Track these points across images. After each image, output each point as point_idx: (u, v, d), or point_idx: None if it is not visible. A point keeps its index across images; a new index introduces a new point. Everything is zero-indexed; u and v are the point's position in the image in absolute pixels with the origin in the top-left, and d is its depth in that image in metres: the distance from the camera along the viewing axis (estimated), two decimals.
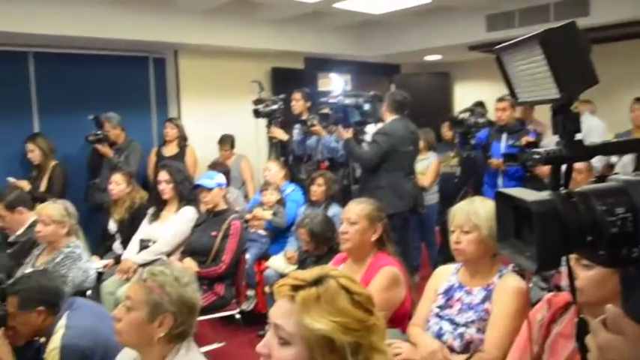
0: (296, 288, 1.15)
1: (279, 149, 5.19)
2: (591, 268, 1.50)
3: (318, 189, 4.39)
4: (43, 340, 2.31)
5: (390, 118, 4.39)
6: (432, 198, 5.28)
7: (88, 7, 4.92)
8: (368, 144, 4.36)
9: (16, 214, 3.58)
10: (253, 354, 1.20)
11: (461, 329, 2.11)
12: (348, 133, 4.29)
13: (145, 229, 4.05)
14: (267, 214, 4.51)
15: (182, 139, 5.55)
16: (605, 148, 1.10)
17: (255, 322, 3.98)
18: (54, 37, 4.92)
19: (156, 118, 6.16)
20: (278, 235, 4.59)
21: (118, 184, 4.27)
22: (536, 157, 1.08)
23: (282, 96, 5.31)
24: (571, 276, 1.15)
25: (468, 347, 2.07)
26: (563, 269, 2.19)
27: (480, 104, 5.78)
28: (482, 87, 7.56)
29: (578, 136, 1.06)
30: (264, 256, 4.47)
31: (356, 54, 7.27)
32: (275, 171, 4.81)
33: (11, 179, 4.66)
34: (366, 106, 4.36)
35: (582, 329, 1.04)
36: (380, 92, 4.77)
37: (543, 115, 5.84)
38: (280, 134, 5.17)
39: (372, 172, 4.28)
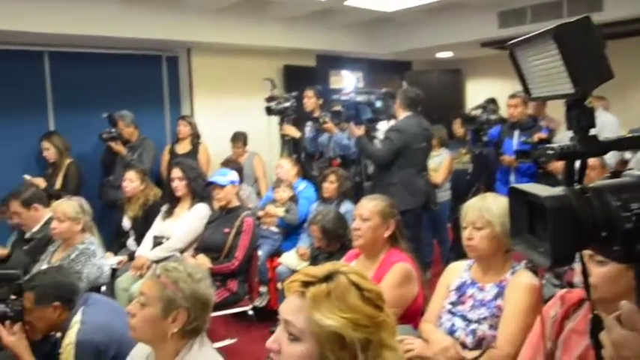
0: (306, 284, 1.15)
1: (291, 146, 5.20)
2: (605, 264, 1.49)
3: (330, 186, 4.39)
4: (58, 335, 2.34)
5: (402, 114, 4.38)
6: (444, 195, 5.27)
7: (102, 7, 4.95)
8: (380, 141, 4.35)
9: (32, 211, 3.62)
10: (266, 350, 1.20)
11: (473, 326, 2.11)
12: (359, 130, 4.29)
13: (158, 226, 4.08)
14: (280, 211, 4.52)
15: (195, 137, 5.58)
16: (619, 143, 1.09)
17: (267, 318, 3.99)
18: (69, 37, 4.96)
19: (169, 115, 6.19)
20: (290, 231, 4.61)
21: (131, 182, 4.30)
22: (550, 152, 1.07)
23: (294, 93, 5.31)
24: (585, 272, 1.14)
25: (480, 344, 2.06)
26: (576, 266, 2.18)
27: (492, 101, 5.75)
28: (494, 84, 7.51)
29: (592, 131, 1.05)
30: (276, 253, 4.49)
31: (367, 51, 7.26)
32: (287, 168, 4.82)
33: (27, 177, 4.70)
34: (378, 103, 4.36)
35: (596, 325, 1.04)
36: (392, 89, 4.76)
37: (555, 111, 5.80)
38: (292, 131, 5.18)
39: (384, 168, 4.27)
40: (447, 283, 2.30)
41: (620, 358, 0.90)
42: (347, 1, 5.60)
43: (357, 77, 8.14)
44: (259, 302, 4.23)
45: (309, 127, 5.27)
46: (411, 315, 2.43)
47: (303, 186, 4.85)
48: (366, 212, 2.56)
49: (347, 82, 8.14)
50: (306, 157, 5.25)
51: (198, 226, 3.94)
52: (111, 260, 3.86)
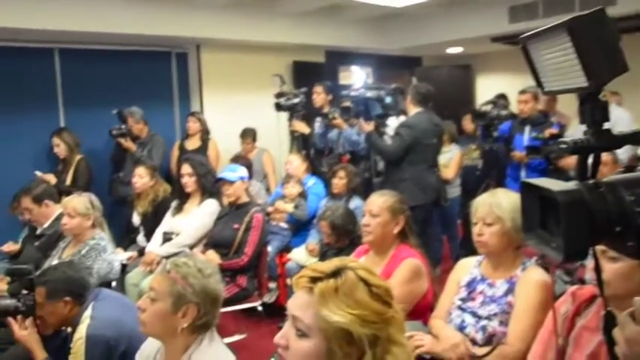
0: (314, 280, 1.14)
1: (300, 142, 5.20)
2: (618, 260, 1.48)
3: (339, 182, 4.39)
4: (69, 330, 2.35)
5: (413, 110, 4.36)
6: (454, 191, 5.24)
7: (112, 4, 4.97)
8: (391, 137, 4.33)
9: (43, 207, 3.64)
10: (274, 346, 1.20)
11: (483, 322, 2.10)
12: (369, 126, 4.27)
13: (168, 222, 4.10)
14: (289, 207, 4.52)
15: (204, 133, 5.59)
16: (634, 138, 1.08)
17: (276, 314, 3.99)
18: (79, 34, 4.98)
19: (178, 112, 6.21)
20: (300, 227, 4.61)
21: (141, 178, 4.32)
22: (563, 146, 1.06)
23: (303, 89, 5.30)
24: (597, 268, 1.13)
25: (490, 340, 2.05)
26: (588, 263, 2.16)
27: (502, 96, 5.71)
28: (504, 79, 7.47)
29: (606, 125, 1.04)
30: (285, 249, 4.49)
31: (377, 47, 7.23)
32: (297, 164, 4.82)
33: (38, 173, 4.74)
34: (388, 99, 4.33)
35: (610, 322, 1.03)
36: (401, 85, 4.74)
37: (565, 107, 5.75)
38: (302, 127, 5.17)
39: (395, 164, 4.26)
40: (457, 279, 2.28)
41: (634, 355, 0.89)
42: None
43: (367, 73, 8.12)
44: (268, 298, 4.24)
45: (318, 123, 5.26)
46: (421, 311, 2.42)
47: (312, 182, 4.85)
48: (376, 208, 2.55)
49: (356, 78, 8.13)
50: (315, 153, 5.24)
51: (207, 222, 3.95)
52: (121, 256, 3.88)
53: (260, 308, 3.83)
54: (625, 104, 5.73)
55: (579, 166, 1.04)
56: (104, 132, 5.15)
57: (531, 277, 2.06)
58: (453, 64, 8.54)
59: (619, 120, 5.04)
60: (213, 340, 1.79)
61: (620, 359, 0.96)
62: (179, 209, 4.10)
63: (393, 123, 4.60)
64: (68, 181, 4.83)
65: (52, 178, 4.75)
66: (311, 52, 6.85)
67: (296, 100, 5.13)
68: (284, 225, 4.55)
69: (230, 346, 1.88)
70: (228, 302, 3.31)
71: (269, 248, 4.08)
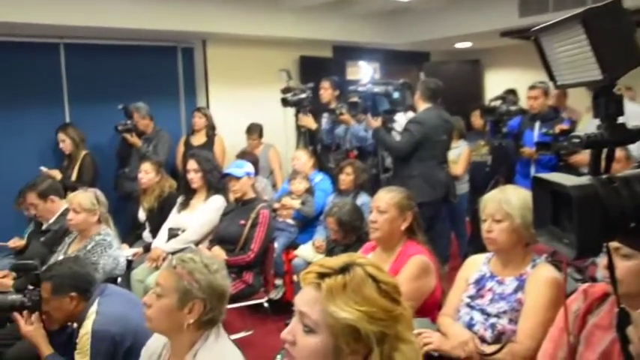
0: (322, 275, 1.13)
1: (307, 138, 5.18)
2: (631, 258, 1.47)
3: (346, 178, 4.37)
4: (75, 325, 2.35)
5: (422, 106, 4.32)
6: (462, 187, 5.21)
7: None
8: (400, 133, 4.30)
9: (49, 202, 3.64)
10: (281, 342, 1.19)
11: (492, 320, 2.08)
12: (376, 122, 4.24)
13: (174, 218, 4.09)
14: (296, 203, 4.51)
15: (210, 129, 5.58)
16: None
17: (283, 310, 3.97)
18: (84, 28, 4.97)
19: (184, 107, 6.20)
20: (306, 224, 4.60)
21: (147, 173, 4.32)
22: (576, 141, 1.04)
23: (310, 85, 5.28)
24: (611, 265, 1.11)
25: (499, 338, 2.03)
26: (599, 260, 2.14)
27: (511, 92, 5.67)
28: (514, 74, 7.42)
29: (620, 119, 1.02)
30: (292, 246, 4.48)
31: (385, 42, 7.19)
32: (304, 160, 4.81)
33: (43, 169, 4.74)
34: (396, 95, 4.30)
35: (623, 320, 1.01)
36: (409, 80, 4.70)
37: (576, 103, 5.70)
38: (309, 122, 5.15)
39: (403, 160, 4.22)
40: (465, 277, 2.27)
41: None
42: None
43: (374, 68, 8.09)
44: (275, 295, 4.23)
45: (325, 119, 5.24)
46: (429, 308, 2.40)
47: (319, 178, 4.83)
48: (383, 204, 2.54)
49: (364, 73, 8.09)
50: (322, 149, 5.22)
51: (213, 218, 3.95)
52: (126, 252, 3.88)
53: (266, 305, 3.82)
54: (638, 99, 5.67)
55: (592, 161, 1.02)
56: (110, 127, 5.15)
57: (541, 275, 2.04)
58: (462, 59, 8.49)
59: (632, 116, 4.97)
60: (219, 336, 1.78)
61: (634, 358, 0.94)
62: (185, 205, 4.10)
63: (400, 119, 4.57)
64: (74, 176, 4.83)
65: (57, 174, 4.76)
66: (318, 47, 6.82)
67: (303, 96, 5.11)
68: (290, 221, 4.54)
69: (236, 342, 1.87)
70: (234, 299, 3.31)
71: (275, 245, 4.06)
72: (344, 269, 1.13)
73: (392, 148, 4.28)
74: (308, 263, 4.08)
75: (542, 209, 1.03)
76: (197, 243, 3.90)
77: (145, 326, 1.83)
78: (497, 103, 4.69)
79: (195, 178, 4.04)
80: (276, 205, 4.55)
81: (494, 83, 8.03)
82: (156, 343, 1.89)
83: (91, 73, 5.43)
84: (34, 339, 2.35)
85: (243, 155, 5.04)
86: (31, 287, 2.41)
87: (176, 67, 6.12)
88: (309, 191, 4.61)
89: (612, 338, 1.48)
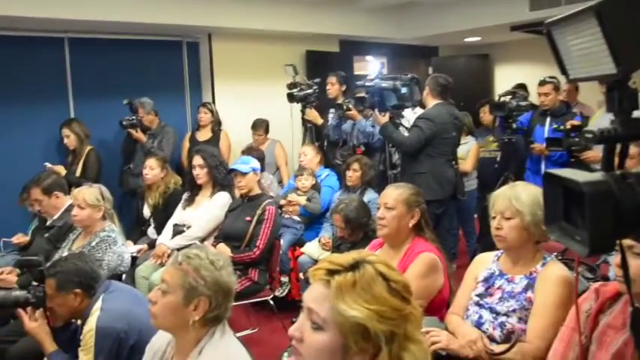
0: (332, 272, 1.13)
1: (313, 134, 5.16)
2: None
3: (353, 174, 4.35)
4: (79, 322, 2.35)
5: (432, 102, 4.27)
6: (471, 184, 5.16)
7: None
8: (408, 129, 4.26)
9: (53, 198, 3.63)
10: (286, 340, 1.17)
11: (501, 318, 2.06)
12: (384, 118, 4.20)
13: (179, 214, 4.09)
14: (302, 200, 4.49)
15: (216, 124, 5.57)
16: None
17: (288, 308, 3.97)
18: (89, 23, 4.96)
19: (189, 102, 6.18)
20: (313, 221, 4.58)
21: (152, 169, 4.31)
22: (589, 136, 1.02)
23: (316, 80, 5.25)
24: (624, 263, 1.09)
25: (509, 337, 2.01)
26: (611, 259, 2.10)
27: (521, 87, 5.61)
28: (524, 69, 7.36)
29: (635, 114, 1.00)
30: (298, 243, 4.46)
31: (392, 36, 7.14)
32: (311, 156, 4.79)
33: (48, 164, 4.74)
34: (404, 90, 4.24)
35: (637, 320, 0.99)
36: (417, 75, 4.66)
37: (586, 98, 5.64)
38: (315, 117, 5.13)
39: (412, 157, 4.18)
40: (474, 275, 2.24)
41: None
42: None
43: (382, 63, 8.05)
44: (280, 292, 4.21)
45: (332, 115, 5.22)
46: (437, 307, 2.38)
47: (325, 174, 4.81)
48: (391, 201, 2.52)
49: (371, 68, 8.06)
50: (328, 145, 5.20)
51: (218, 215, 3.94)
52: (131, 248, 3.88)
53: (271, 302, 3.80)
54: None
55: (606, 157, 1.01)
56: (114, 123, 5.14)
57: (552, 273, 2.02)
58: (471, 53, 8.43)
59: None
60: (224, 333, 1.77)
61: None
62: (190, 201, 4.09)
63: (408, 114, 4.53)
64: (78, 172, 4.83)
65: (61, 170, 4.74)
66: (325, 42, 6.79)
67: (309, 91, 5.09)
68: (297, 218, 4.52)
69: (241, 339, 1.85)
70: (240, 296, 3.28)
71: (281, 241, 4.04)
72: (354, 266, 1.13)
73: (400, 144, 4.24)
74: (314, 260, 4.07)
75: (554, 205, 1.02)
76: (202, 239, 3.90)
77: (149, 323, 1.82)
78: (507, 98, 4.64)
79: (200, 173, 4.03)
80: (282, 202, 4.53)
81: (504, 78, 7.97)
82: (160, 340, 1.88)
83: (95, 67, 5.43)
84: (37, 335, 2.35)
85: (249, 151, 5.02)
86: (35, 283, 2.41)
87: (181, 61, 6.10)
88: (316, 187, 4.59)
89: (626, 338, 1.46)
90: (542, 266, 2.07)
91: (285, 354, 2.21)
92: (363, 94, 4.55)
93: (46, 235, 3.56)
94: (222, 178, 4.03)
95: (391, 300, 1.11)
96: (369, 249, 2.70)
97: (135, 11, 5.02)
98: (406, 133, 4.22)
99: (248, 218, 3.71)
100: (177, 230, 3.97)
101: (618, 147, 1.01)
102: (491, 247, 2.27)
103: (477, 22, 6.47)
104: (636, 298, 1.38)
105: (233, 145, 5.66)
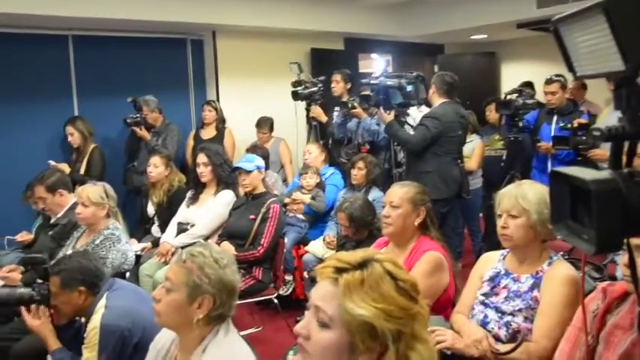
0: (340, 270, 1.13)
1: (318, 132, 5.15)
2: None
3: (358, 172, 4.34)
4: (83, 320, 2.35)
5: (438, 101, 4.25)
6: (475, 182, 5.14)
7: None
8: (414, 127, 4.24)
9: (57, 196, 3.63)
10: (290, 339, 1.17)
11: (507, 318, 2.05)
12: (389, 116, 4.19)
13: (183, 213, 4.09)
14: (306, 198, 4.49)
15: (220, 122, 5.56)
16: None
17: (292, 307, 3.97)
18: (93, 20, 4.97)
19: (194, 100, 6.19)
20: (317, 219, 4.58)
21: (156, 167, 4.31)
22: (597, 134, 1.01)
23: (321, 78, 5.24)
24: (632, 263, 1.08)
25: (515, 337, 1.99)
26: (618, 259, 2.09)
27: (528, 85, 5.58)
28: (531, 67, 7.33)
29: None
30: (302, 241, 4.46)
31: (397, 34, 7.12)
32: (315, 154, 4.78)
33: (52, 162, 4.75)
34: (409, 88, 4.22)
35: None
36: (423, 73, 4.64)
37: (594, 97, 5.61)
38: (319, 114, 5.12)
39: (417, 156, 4.16)
40: (480, 274, 2.23)
41: None
42: None
43: (387, 61, 8.03)
44: (284, 291, 4.21)
45: (336, 113, 5.21)
46: (442, 306, 2.38)
47: (330, 172, 4.81)
48: (397, 199, 2.51)
49: (376, 66, 8.04)
50: (333, 143, 5.19)
51: (223, 213, 3.94)
52: (135, 246, 3.88)
53: (276, 301, 3.79)
54: None
55: (613, 155, 1.00)
56: (118, 121, 5.15)
57: (558, 272, 2.00)
58: (477, 51, 8.41)
59: None
60: (229, 331, 1.77)
61: None
62: (194, 199, 4.09)
63: (414, 112, 4.51)
64: (82, 170, 4.84)
65: (65, 167, 4.75)
66: (329, 39, 6.77)
67: (314, 89, 5.08)
68: (301, 216, 4.52)
69: (245, 338, 1.85)
70: (244, 294, 3.26)
71: (285, 240, 4.04)
72: (362, 265, 1.13)
73: (405, 143, 4.23)
74: (318, 259, 4.07)
75: (561, 204, 1.02)
76: (206, 238, 3.89)
77: (153, 321, 1.82)
78: (514, 96, 4.61)
79: (205, 172, 4.03)
80: (287, 200, 4.52)
81: (511, 76, 7.94)
82: (164, 338, 1.88)
83: (99, 65, 5.43)
84: (41, 333, 2.35)
85: (253, 149, 5.01)
86: (39, 281, 2.41)
87: (186, 59, 6.11)
88: (320, 186, 4.58)
89: (633, 339, 1.45)
90: (548, 265, 2.06)
91: (291, 352, 2.20)
92: (368, 92, 4.53)
93: (50, 232, 3.56)
94: (227, 176, 4.03)
95: (399, 299, 1.11)
96: (374, 247, 2.69)
97: (139, 9, 5.03)
98: (411, 132, 4.20)
99: (252, 216, 3.70)
100: (182, 228, 3.97)
101: (626, 145, 0.99)
102: (496, 246, 2.26)
103: (484, 20, 6.44)
104: None
105: (237, 143, 5.65)
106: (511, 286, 2.09)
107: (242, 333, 1.89)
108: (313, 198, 4.49)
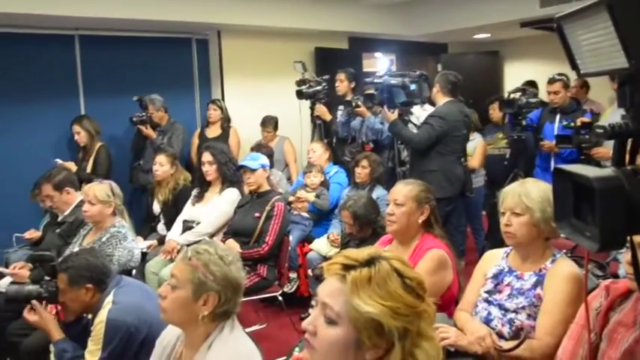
0: (347, 267, 1.14)
1: (322, 131, 5.15)
2: None
3: (362, 171, 4.34)
4: (90, 316, 2.37)
5: (442, 100, 4.24)
6: (478, 181, 5.13)
7: None
8: (418, 126, 4.24)
9: (64, 194, 3.65)
10: (295, 336, 1.18)
11: (510, 315, 2.05)
12: (393, 115, 4.19)
13: (188, 211, 4.10)
14: (311, 196, 4.49)
15: (225, 121, 5.57)
16: None
17: (297, 304, 3.98)
18: (99, 20, 4.97)
19: (199, 99, 6.20)
20: (321, 217, 4.58)
21: (162, 166, 4.32)
22: (600, 131, 1.01)
23: (325, 77, 5.24)
24: (635, 260, 1.08)
25: (518, 334, 1.99)
26: (621, 257, 2.09)
27: (531, 83, 5.57)
28: (534, 66, 7.30)
29: None
30: (307, 239, 4.46)
31: (401, 33, 7.11)
32: (319, 152, 4.79)
33: (59, 160, 4.77)
34: (413, 87, 4.22)
35: None
36: (426, 72, 4.64)
37: (596, 95, 5.59)
38: (324, 112, 5.12)
39: (421, 154, 4.16)
40: (483, 271, 2.23)
41: None
42: None
43: (391, 60, 8.02)
44: (289, 288, 4.22)
45: (340, 111, 5.21)
46: (446, 303, 2.37)
47: (334, 171, 4.81)
48: (401, 197, 2.51)
49: (380, 65, 8.03)
50: (337, 142, 5.19)
51: (228, 211, 3.95)
52: (141, 244, 3.89)
53: (280, 298, 3.80)
54: None
55: (617, 152, 1.01)
56: (124, 119, 5.16)
57: (562, 270, 2.01)
58: (480, 50, 8.38)
59: None
60: (234, 328, 1.78)
61: None
62: (199, 198, 4.10)
63: (417, 111, 4.51)
64: (89, 168, 4.85)
65: (72, 166, 4.77)
66: (334, 39, 6.76)
67: (318, 88, 5.08)
68: (305, 214, 4.53)
69: (250, 334, 1.86)
70: (248, 292, 3.29)
71: (290, 238, 4.05)
72: (369, 262, 1.13)
73: (409, 141, 4.23)
74: (323, 257, 4.08)
75: (564, 201, 1.02)
76: (211, 236, 3.90)
77: (159, 318, 1.82)
78: (517, 95, 4.60)
79: (210, 170, 4.04)
80: (291, 198, 4.53)
81: (514, 75, 7.91)
82: (170, 334, 1.89)
83: (106, 64, 5.44)
84: (44, 327, 2.37)
85: (258, 148, 5.02)
86: (47, 278, 2.43)
87: (191, 58, 6.11)
88: (324, 184, 4.59)
89: (636, 336, 1.45)
90: (551, 263, 2.06)
91: (297, 348, 2.21)
92: (371, 91, 4.54)
93: (58, 230, 3.58)
94: (232, 174, 4.04)
95: (406, 297, 1.11)
96: (377, 245, 2.70)
97: (145, 9, 5.03)
98: (415, 130, 4.21)
99: (257, 214, 3.71)
100: (187, 226, 3.98)
101: (630, 143, 1.00)
102: (500, 243, 2.26)
103: (487, 19, 6.42)
104: None
105: (242, 141, 5.66)
106: (514, 283, 2.10)
107: (247, 330, 1.90)
108: (317, 196, 4.49)
